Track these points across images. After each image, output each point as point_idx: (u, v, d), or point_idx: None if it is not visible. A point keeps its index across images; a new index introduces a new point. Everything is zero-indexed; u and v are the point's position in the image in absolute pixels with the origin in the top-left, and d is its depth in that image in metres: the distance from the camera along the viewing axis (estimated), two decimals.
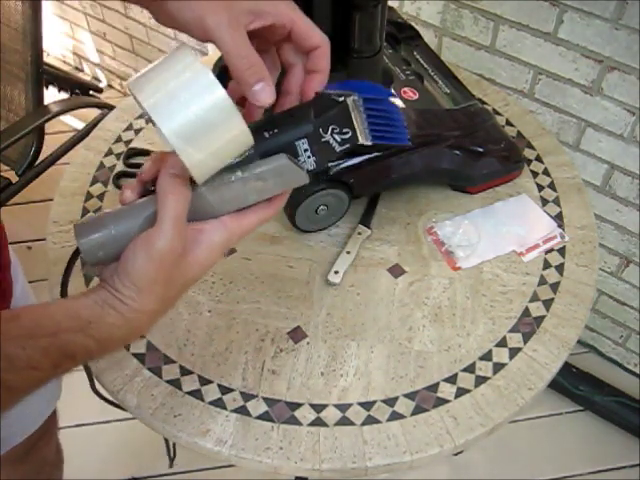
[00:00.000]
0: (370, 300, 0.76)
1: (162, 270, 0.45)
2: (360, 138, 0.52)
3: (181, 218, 0.46)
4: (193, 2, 0.45)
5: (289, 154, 0.50)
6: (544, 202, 0.87)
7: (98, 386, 0.71)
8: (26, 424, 0.83)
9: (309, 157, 0.51)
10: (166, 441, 0.84)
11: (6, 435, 0.74)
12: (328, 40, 0.50)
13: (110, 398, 0.71)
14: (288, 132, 0.50)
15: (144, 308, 0.46)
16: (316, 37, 0.50)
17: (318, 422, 0.66)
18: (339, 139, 0.52)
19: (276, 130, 0.50)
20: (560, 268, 0.79)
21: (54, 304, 0.46)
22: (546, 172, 0.90)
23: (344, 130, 0.52)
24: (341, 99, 0.52)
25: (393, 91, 0.85)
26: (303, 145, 0.51)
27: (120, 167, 0.90)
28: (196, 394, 0.67)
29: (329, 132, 0.51)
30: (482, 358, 0.71)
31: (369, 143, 0.52)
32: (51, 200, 0.84)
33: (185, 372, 0.69)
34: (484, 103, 0.98)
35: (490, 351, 0.72)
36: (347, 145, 0.52)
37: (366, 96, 0.53)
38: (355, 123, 0.52)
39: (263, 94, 0.46)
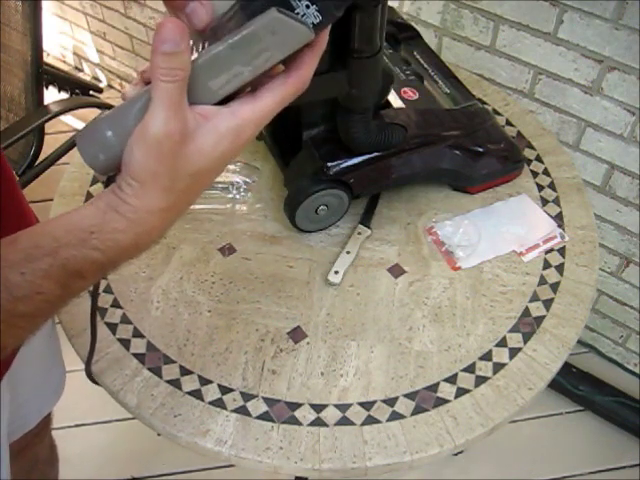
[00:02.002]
0: (370, 300, 0.76)
1: (162, 158, 0.40)
2: None
3: (175, 99, 0.39)
4: None
5: (282, 7, 0.40)
6: (544, 202, 0.87)
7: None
8: (26, 420, 0.83)
9: (308, 7, 0.41)
10: None
11: (7, 431, 0.74)
12: None
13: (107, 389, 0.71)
14: None
15: (149, 206, 0.41)
16: None
17: (318, 422, 0.66)
18: None
19: None
20: (560, 268, 0.79)
21: (53, 219, 0.41)
22: (546, 172, 0.90)
23: None
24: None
25: (393, 91, 0.85)
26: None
27: None
28: (196, 394, 0.67)
29: None
30: (482, 358, 0.71)
31: None
32: (51, 200, 0.84)
33: (185, 372, 0.69)
34: (484, 103, 0.98)
35: (490, 351, 0.72)
36: None
37: None
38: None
39: (196, 15, 0.42)
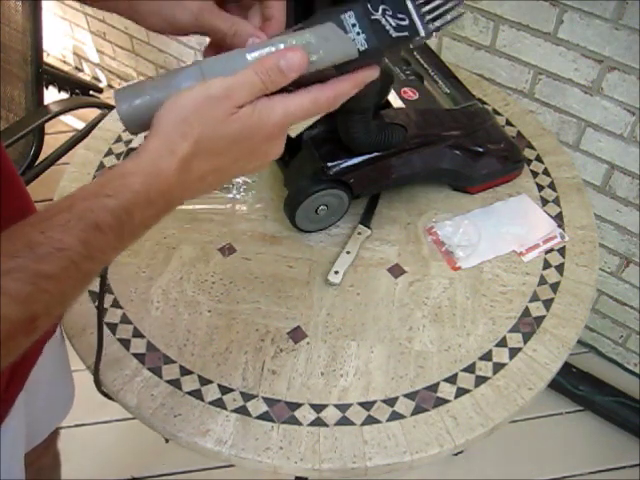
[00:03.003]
0: (370, 300, 0.76)
1: (193, 104, 0.42)
2: (421, 31, 0.48)
3: (250, 88, 0.43)
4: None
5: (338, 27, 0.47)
6: (544, 202, 0.87)
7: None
8: (37, 435, 0.83)
9: (358, 34, 0.47)
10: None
11: (17, 444, 0.74)
12: None
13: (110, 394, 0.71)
14: (335, 8, 0.48)
15: (162, 149, 0.42)
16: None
17: (318, 422, 0.66)
18: (394, 23, 0.48)
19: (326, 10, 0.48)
20: (560, 268, 0.79)
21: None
22: (546, 172, 0.90)
23: (399, 15, 0.48)
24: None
25: (393, 91, 0.85)
26: (350, 19, 0.47)
27: None
28: (196, 394, 0.67)
29: (380, 11, 0.48)
30: (482, 358, 0.71)
31: (430, 36, 0.48)
32: (51, 200, 0.84)
33: (185, 372, 0.69)
34: (484, 103, 0.98)
35: (490, 351, 0.72)
36: (405, 33, 0.48)
37: None
38: (412, 12, 0.48)
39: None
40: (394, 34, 0.48)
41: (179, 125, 0.42)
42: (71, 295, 0.41)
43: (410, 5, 0.49)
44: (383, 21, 0.48)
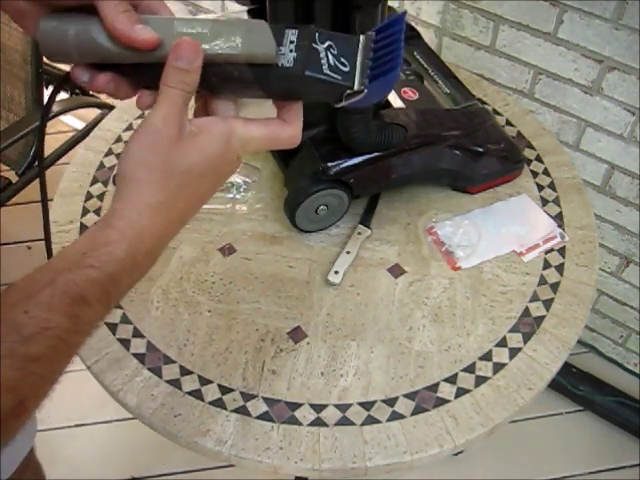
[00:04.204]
0: (370, 300, 0.76)
1: (156, 148, 0.42)
2: (356, 84, 0.46)
3: (178, 104, 0.43)
4: None
5: (275, 37, 0.45)
6: (544, 202, 0.87)
7: None
8: (6, 471, 0.81)
9: (291, 51, 0.45)
10: None
11: None
12: None
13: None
14: (288, 23, 0.47)
15: (138, 204, 0.41)
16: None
17: (318, 422, 0.66)
18: (332, 62, 0.46)
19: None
20: (560, 268, 0.79)
21: (50, 259, 0.41)
22: (546, 172, 0.90)
23: (342, 59, 0.46)
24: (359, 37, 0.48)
25: (393, 91, 0.85)
26: (291, 36, 0.46)
27: None
28: (196, 394, 0.67)
29: (324, 46, 0.46)
30: (482, 358, 0.71)
31: (363, 92, 0.46)
32: (51, 200, 0.84)
33: (185, 372, 0.69)
34: (484, 103, 0.98)
35: (490, 351, 0.72)
36: (338, 77, 0.46)
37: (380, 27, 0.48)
38: (358, 62, 0.47)
39: (144, 33, 0.44)
40: (325, 71, 0.46)
41: (144, 175, 0.42)
42: (59, 371, 0.39)
43: (359, 58, 0.47)
44: (322, 54, 0.46)
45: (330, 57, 0.46)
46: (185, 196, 0.44)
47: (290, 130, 0.47)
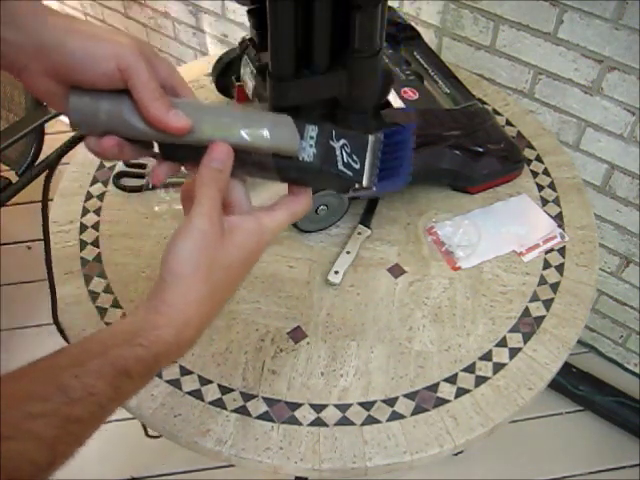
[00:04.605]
0: (370, 300, 0.76)
1: (203, 250, 0.46)
2: (365, 180, 0.51)
3: (216, 203, 0.47)
4: (104, 39, 0.45)
5: (298, 131, 0.50)
6: (544, 202, 0.87)
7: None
8: None
9: (311, 146, 0.49)
10: None
11: None
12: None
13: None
14: (307, 118, 0.51)
15: (186, 297, 0.45)
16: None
17: (318, 422, 0.66)
18: (345, 159, 0.51)
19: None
20: (560, 268, 0.79)
21: (97, 333, 0.45)
22: (546, 172, 0.90)
23: (354, 157, 0.51)
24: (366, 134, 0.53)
25: (393, 91, 0.85)
26: (312, 132, 0.50)
27: (120, 167, 0.89)
28: (196, 394, 0.67)
29: (340, 144, 0.51)
30: (482, 358, 0.71)
31: (371, 188, 0.52)
32: (51, 200, 0.84)
33: (185, 372, 0.69)
34: (484, 103, 0.98)
35: (490, 351, 0.72)
36: (350, 174, 0.51)
37: (388, 132, 0.53)
38: (367, 161, 0.52)
39: (178, 119, 0.47)
40: (340, 167, 0.50)
41: (191, 270, 0.46)
42: (91, 434, 0.41)
43: (368, 157, 0.52)
44: (337, 152, 0.50)
45: (344, 155, 0.51)
46: (225, 286, 0.49)
47: (304, 200, 0.52)
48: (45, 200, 0.57)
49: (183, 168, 0.52)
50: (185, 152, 0.49)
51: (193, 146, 0.48)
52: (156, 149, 0.50)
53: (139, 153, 0.50)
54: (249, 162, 0.49)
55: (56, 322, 0.68)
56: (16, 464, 0.35)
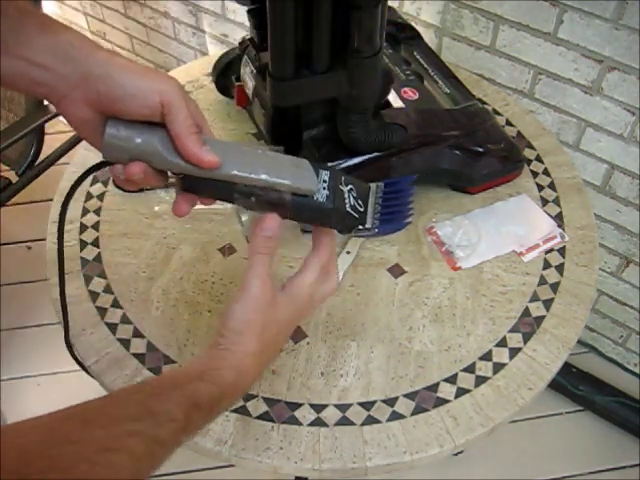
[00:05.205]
0: (370, 300, 0.76)
1: (257, 310, 0.52)
2: (368, 222, 0.58)
3: (267, 268, 0.53)
4: (150, 74, 0.49)
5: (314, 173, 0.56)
6: (544, 202, 0.87)
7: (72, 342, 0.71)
8: None
9: (324, 189, 0.55)
10: None
11: None
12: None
13: (82, 361, 0.71)
14: (319, 163, 0.56)
15: (247, 349, 0.52)
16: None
17: (318, 422, 0.66)
18: (352, 202, 0.57)
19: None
20: (560, 268, 0.79)
21: (173, 369, 0.57)
22: (546, 172, 0.90)
23: (359, 202, 0.57)
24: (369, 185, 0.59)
25: (393, 91, 0.85)
26: (324, 175, 0.55)
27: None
28: None
29: (347, 188, 0.57)
30: (482, 358, 0.71)
31: (373, 230, 0.58)
32: (51, 200, 0.84)
33: None
34: (484, 103, 0.98)
35: (490, 351, 0.72)
36: (355, 215, 0.57)
37: (387, 182, 0.60)
38: (369, 205, 0.58)
39: (210, 155, 0.50)
40: (348, 209, 0.56)
41: (246, 328, 0.52)
42: (165, 458, 0.45)
43: (370, 202, 0.59)
44: (345, 195, 0.56)
45: (351, 198, 0.57)
46: (276, 342, 0.56)
47: (327, 246, 0.58)
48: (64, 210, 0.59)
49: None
50: (204, 186, 0.52)
51: (212, 181, 0.51)
52: (173, 180, 0.54)
53: (160, 182, 0.53)
54: (265, 198, 0.53)
55: (65, 323, 0.68)
56: (109, 475, 0.38)
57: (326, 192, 0.55)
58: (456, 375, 0.70)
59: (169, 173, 0.53)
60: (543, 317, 0.75)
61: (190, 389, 0.47)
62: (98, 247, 0.80)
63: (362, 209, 0.58)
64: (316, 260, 0.57)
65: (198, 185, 0.52)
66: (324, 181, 0.55)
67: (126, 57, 0.50)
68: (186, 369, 0.51)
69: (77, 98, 0.48)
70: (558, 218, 0.85)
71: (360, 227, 0.57)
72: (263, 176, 0.52)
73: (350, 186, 0.57)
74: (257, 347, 0.52)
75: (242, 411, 0.66)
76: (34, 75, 0.47)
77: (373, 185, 0.59)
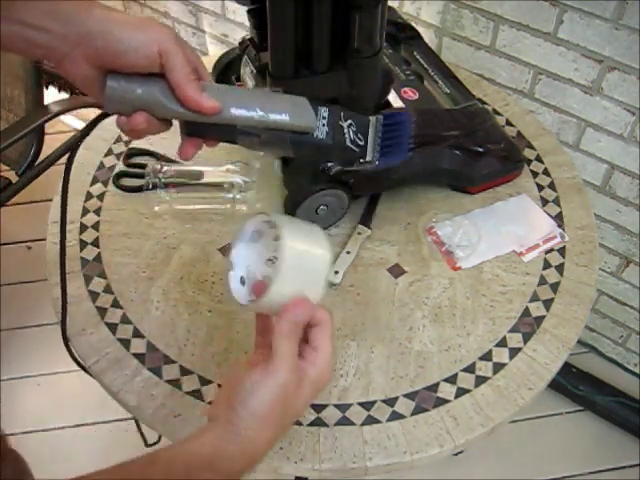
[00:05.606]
0: (370, 300, 0.76)
1: (281, 400, 0.49)
2: (368, 155, 0.59)
3: (294, 355, 0.50)
4: (146, 26, 0.49)
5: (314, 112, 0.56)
6: (544, 202, 0.87)
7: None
8: None
9: (323, 125, 0.55)
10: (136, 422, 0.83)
11: None
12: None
13: (80, 361, 0.71)
14: (317, 100, 0.56)
15: (261, 436, 0.49)
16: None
17: (318, 422, 0.66)
18: (352, 136, 0.58)
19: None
20: (560, 268, 0.79)
21: (181, 446, 0.49)
22: (546, 172, 0.90)
23: (359, 136, 0.58)
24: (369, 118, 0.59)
25: (393, 91, 0.85)
26: (323, 112, 0.56)
27: (120, 167, 0.90)
28: (196, 394, 0.67)
29: (347, 123, 0.57)
30: (482, 358, 0.71)
31: (374, 162, 0.59)
32: (51, 200, 0.84)
33: (185, 372, 0.69)
34: (484, 103, 0.98)
35: (490, 351, 0.72)
36: (356, 150, 0.58)
37: (386, 114, 0.60)
38: (370, 139, 0.59)
39: (210, 101, 0.51)
40: (347, 143, 0.57)
41: (267, 415, 0.48)
42: None
43: (370, 135, 0.59)
44: (345, 130, 0.57)
45: (351, 133, 0.58)
46: (289, 425, 0.52)
47: (325, 325, 0.52)
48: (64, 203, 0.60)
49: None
50: (207, 129, 0.53)
51: (215, 125, 0.52)
52: (177, 126, 0.54)
53: (164, 128, 0.53)
54: (266, 138, 0.53)
55: (63, 323, 0.68)
56: None
57: (325, 129, 0.55)
58: (456, 375, 0.70)
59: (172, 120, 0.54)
60: (543, 317, 0.75)
61: (196, 478, 0.46)
62: (98, 247, 0.80)
63: (362, 143, 0.58)
64: (324, 336, 0.53)
65: (201, 129, 0.53)
66: (323, 117, 0.55)
67: (121, 11, 0.50)
68: (196, 450, 0.48)
69: (77, 56, 0.48)
70: (558, 218, 0.85)
71: (361, 160, 0.58)
72: (262, 116, 0.52)
73: (349, 121, 0.58)
74: (273, 435, 0.50)
75: None
76: (32, 37, 0.47)
77: (373, 118, 0.60)
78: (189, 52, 0.52)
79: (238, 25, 1.59)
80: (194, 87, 0.50)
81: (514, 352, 0.72)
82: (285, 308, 0.50)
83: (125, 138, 0.93)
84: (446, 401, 0.67)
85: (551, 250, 0.81)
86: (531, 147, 0.94)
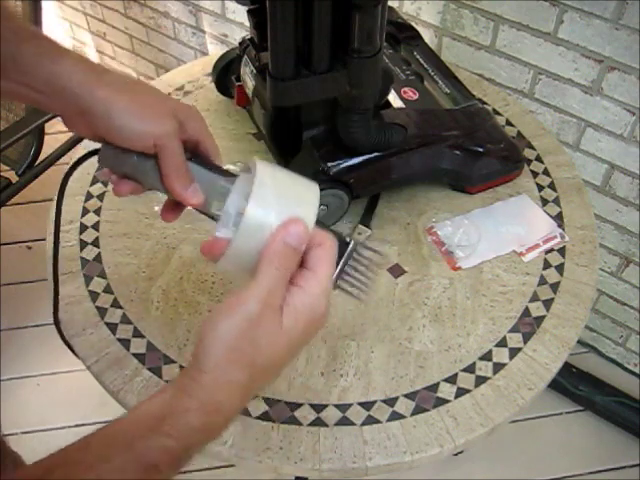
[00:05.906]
0: (370, 300, 0.76)
1: (250, 336, 0.42)
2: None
3: (279, 284, 0.43)
4: (144, 113, 0.50)
5: None
6: (544, 202, 0.87)
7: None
8: None
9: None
10: None
11: None
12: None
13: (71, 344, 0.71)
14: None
15: (223, 380, 0.42)
16: (217, 151, 0.55)
17: (318, 422, 0.66)
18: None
19: None
20: (560, 268, 0.79)
21: (125, 415, 0.42)
22: (546, 172, 0.90)
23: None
24: (349, 240, 0.56)
25: (393, 91, 0.85)
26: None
27: None
28: None
29: None
30: (482, 358, 0.71)
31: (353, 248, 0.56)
32: (51, 200, 0.84)
33: None
34: (484, 103, 0.98)
35: (490, 351, 0.72)
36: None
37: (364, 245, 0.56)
38: (341, 262, 0.56)
39: (195, 197, 0.51)
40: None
41: (230, 355, 0.42)
42: None
43: (342, 260, 0.56)
44: None
45: None
46: (265, 376, 0.45)
47: (330, 244, 0.48)
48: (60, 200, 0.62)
49: None
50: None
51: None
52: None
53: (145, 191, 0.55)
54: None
55: (55, 318, 0.68)
56: None
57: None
58: (456, 375, 0.69)
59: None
60: (543, 317, 0.75)
61: (141, 449, 0.39)
62: (98, 247, 0.80)
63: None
64: (324, 261, 0.48)
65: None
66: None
67: (131, 89, 0.51)
68: (141, 412, 0.41)
69: (77, 121, 0.51)
70: (558, 218, 0.85)
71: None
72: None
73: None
74: (240, 379, 0.42)
75: (242, 411, 0.66)
76: (35, 98, 0.50)
77: (351, 243, 0.57)
78: (191, 122, 0.53)
79: (238, 25, 1.59)
80: (182, 182, 0.51)
81: (514, 352, 0.72)
82: (274, 232, 0.44)
83: None
84: (446, 401, 0.67)
85: (551, 250, 0.81)
86: (531, 147, 0.94)
